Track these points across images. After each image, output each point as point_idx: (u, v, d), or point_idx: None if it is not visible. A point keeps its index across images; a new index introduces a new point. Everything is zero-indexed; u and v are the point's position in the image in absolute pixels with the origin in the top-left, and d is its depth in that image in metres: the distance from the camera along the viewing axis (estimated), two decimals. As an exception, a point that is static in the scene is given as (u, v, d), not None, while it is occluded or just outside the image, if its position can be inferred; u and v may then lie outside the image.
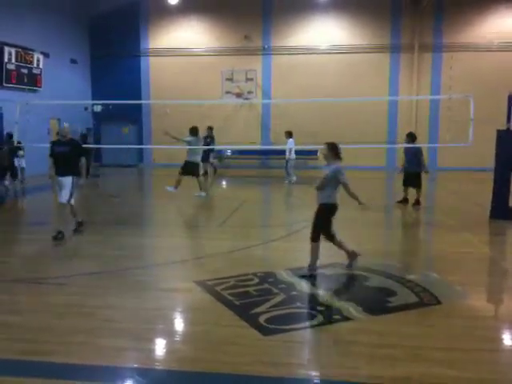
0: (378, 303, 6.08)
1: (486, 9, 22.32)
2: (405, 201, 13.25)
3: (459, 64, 21.83)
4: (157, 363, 4.74)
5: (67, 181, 9.36)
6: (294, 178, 17.76)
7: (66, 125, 10.00)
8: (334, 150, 7.01)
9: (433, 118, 22.55)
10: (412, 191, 13.10)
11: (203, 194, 14.13)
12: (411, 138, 13.31)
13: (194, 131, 14.29)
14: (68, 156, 9.32)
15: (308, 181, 19.31)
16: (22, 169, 17.19)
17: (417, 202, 13.05)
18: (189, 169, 14.10)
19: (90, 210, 13.67)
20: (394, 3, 22.95)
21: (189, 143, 14.19)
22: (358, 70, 23.05)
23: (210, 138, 19.34)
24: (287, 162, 18.08)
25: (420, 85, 22.99)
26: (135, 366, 4.63)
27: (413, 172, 13.01)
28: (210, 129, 19.56)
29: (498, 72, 21.84)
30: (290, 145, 17.64)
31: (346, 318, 5.58)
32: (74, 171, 9.42)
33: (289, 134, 17.82)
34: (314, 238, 7.00)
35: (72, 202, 9.59)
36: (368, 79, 22.71)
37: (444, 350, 4.86)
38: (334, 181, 6.97)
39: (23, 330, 5.31)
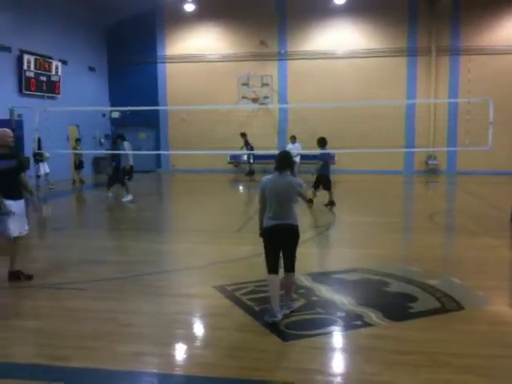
0: (399, 309, 6.00)
1: (503, 11, 22.09)
2: (309, 201, 13.37)
3: (477, 67, 21.62)
4: (176, 368, 4.72)
5: (19, 205, 7.02)
6: None
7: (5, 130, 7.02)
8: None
9: (451, 121, 22.33)
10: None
11: (129, 197, 14.91)
12: (320, 143, 13.58)
13: (121, 138, 15.25)
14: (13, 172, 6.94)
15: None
16: (47, 174, 17.49)
17: (330, 203, 13.45)
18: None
19: (109, 217, 13.77)
20: (410, 7, 22.82)
21: (124, 149, 14.95)
22: (375, 74, 22.94)
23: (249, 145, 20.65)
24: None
25: (438, 88, 22.81)
26: (154, 371, 4.62)
27: (323, 175, 13.52)
28: (244, 135, 21.28)
29: (517, 75, 21.59)
30: (297, 149, 17.97)
31: (367, 324, 5.51)
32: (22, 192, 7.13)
33: (294, 139, 18.27)
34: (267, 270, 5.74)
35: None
36: (385, 83, 22.58)
37: (467, 356, 4.77)
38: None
39: (43, 335, 5.34)
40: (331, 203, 13.50)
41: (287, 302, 5.79)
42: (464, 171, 21.92)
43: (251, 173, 22.00)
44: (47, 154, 16.97)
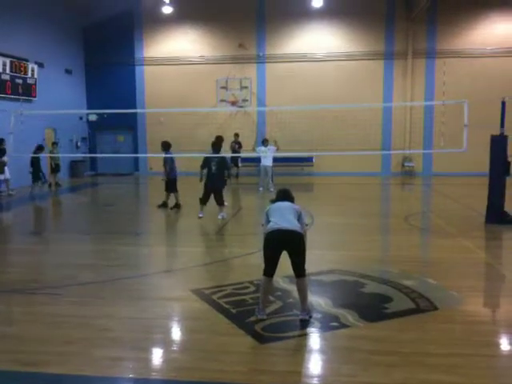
0: (374, 310, 6.08)
1: (478, 15, 22.44)
2: (164, 205, 13.98)
3: (453, 70, 21.93)
4: (153, 373, 4.71)
5: None
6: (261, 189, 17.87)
7: None
8: None
9: (427, 123, 22.59)
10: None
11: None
12: (164, 146, 13.88)
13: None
14: None
15: (303, 188, 19.37)
16: (7, 180, 16.92)
17: (177, 206, 13.79)
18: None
19: (85, 220, 13.66)
20: (387, 10, 23.05)
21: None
22: (353, 77, 23.13)
23: (237, 145, 20.47)
24: (271, 169, 18.12)
25: (414, 91, 23.08)
26: (131, 376, 4.61)
27: (172, 179, 13.83)
28: (237, 136, 21.31)
29: (491, 77, 21.96)
30: (272, 151, 17.82)
31: (343, 325, 5.57)
32: None
33: (267, 142, 18.20)
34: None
35: None
36: (362, 86, 22.79)
37: (441, 355, 4.85)
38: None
39: (19, 341, 5.29)
40: (177, 205, 13.79)
41: (303, 310, 5.75)
42: (439, 173, 22.21)
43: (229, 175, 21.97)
44: (5, 159, 16.38)
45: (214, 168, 12.10)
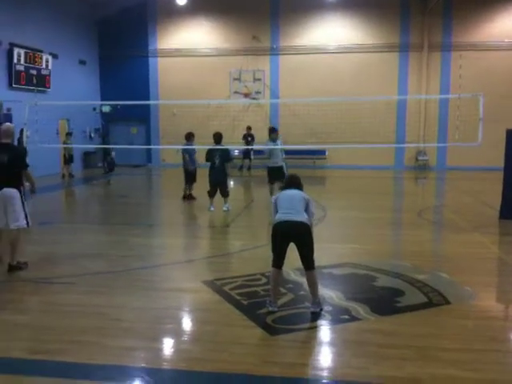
0: (386, 303, 6.05)
1: (495, 7, 22.17)
2: (190, 196, 13.97)
3: (468, 63, 21.66)
4: (165, 363, 4.74)
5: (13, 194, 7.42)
6: None
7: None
8: None
9: (442, 117, 22.40)
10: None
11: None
12: (188, 137, 13.75)
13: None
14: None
15: (316, 181, 19.31)
16: None
17: (190, 197, 13.90)
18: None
19: (98, 210, 13.74)
20: (402, 2, 22.86)
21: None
22: (367, 69, 22.97)
23: (250, 137, 20.95)
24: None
25: (429, 84, 22.88)
26: (143, 365, 4.63)
27: (193, 169, 13.74)
28: (249, 128, 21.41)
29: (507, 71, 21.71)
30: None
31: (355, 318, 5.55)
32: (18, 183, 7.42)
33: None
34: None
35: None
36: (377, 78, 22.63)
37: (453, 350, 4.83)
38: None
39: (33, 330, 5.34)
40: (191, 196, 13.90)
41: (314, 303, 5.75)
42: (453, 167, 22.04)
43: (242, 168, 22.01)
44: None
45: (217, 161, 12.12)
